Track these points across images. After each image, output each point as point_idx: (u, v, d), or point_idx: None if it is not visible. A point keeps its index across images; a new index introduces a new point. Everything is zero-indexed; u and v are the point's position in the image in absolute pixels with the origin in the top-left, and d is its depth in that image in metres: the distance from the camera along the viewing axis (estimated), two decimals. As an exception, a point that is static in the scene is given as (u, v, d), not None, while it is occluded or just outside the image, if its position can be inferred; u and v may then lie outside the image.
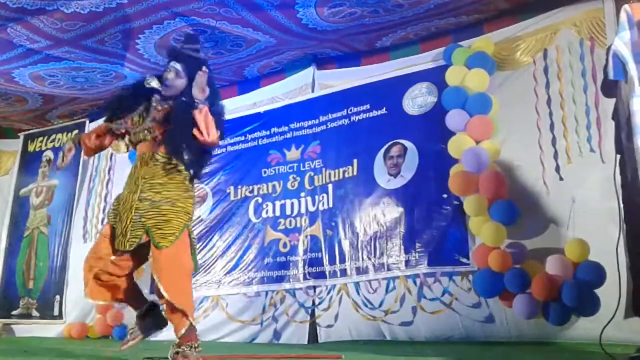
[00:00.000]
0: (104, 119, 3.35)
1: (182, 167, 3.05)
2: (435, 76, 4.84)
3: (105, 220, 3.25)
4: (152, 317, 3.16)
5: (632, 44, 2.29)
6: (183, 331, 2.86)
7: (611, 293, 3.07)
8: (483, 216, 4.19)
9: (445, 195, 4.50)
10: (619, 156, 2.79)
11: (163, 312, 3.07)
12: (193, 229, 5.54)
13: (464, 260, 4.35)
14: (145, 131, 3.09)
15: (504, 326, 4.14)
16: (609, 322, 2.82)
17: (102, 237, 3.13)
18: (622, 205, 2.66)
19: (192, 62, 3.14)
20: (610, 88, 2.72)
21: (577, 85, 4.23)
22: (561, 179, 4.16)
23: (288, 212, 5.41)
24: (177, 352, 2.85)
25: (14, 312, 6.70)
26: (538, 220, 4.18)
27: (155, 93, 3.15)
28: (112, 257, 3.05)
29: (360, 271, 4.86)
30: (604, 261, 3.62)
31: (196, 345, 2.90)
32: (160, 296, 2.88)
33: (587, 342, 3.58)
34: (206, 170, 3.36)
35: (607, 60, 2.54)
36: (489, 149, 4.33)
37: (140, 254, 3.09)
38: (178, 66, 3.11)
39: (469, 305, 4.31)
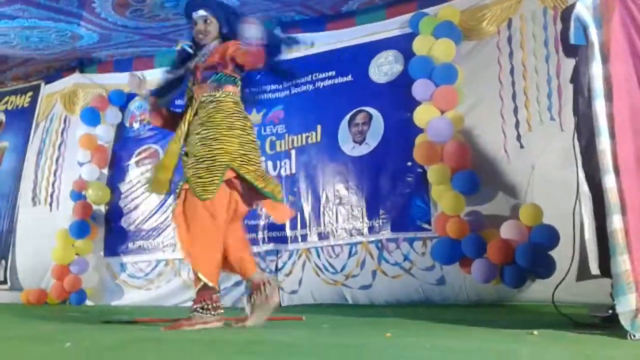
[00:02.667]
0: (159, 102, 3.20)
1: (227, 103, 2.95)
2: (402, 44, 4.85)
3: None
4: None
5: (593, 9, 2.33)
6: (196, 290, 2.79)
7: (566, 257, 3.16)
8: (445, 185, 4.27)
9: (409, 164, 4.56)
10: (575, 118, 2.83)
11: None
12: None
13: (426, 226, 4.45)
14: (192, 84, 3.03)
15: (462, 290, 4.26)
16: (560, 282, 2.90)
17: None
18: (580, 171, 2.72)
19: (212, 1, 3.10)
20: (571, 50, 2.75)
21: (539, 54, 4.32)
22: (522, 147, 4.27)
23: (247, 176, 5.37)
24: (189, 317, 2.78)
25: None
26: (498, 189, 4.29)
27: (193, 55, 3.09)
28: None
29: (322, 236, 4.92)
30: (560, 226, 3.74)
31: (209, 305, 2.79)
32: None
33: (542, 304, 3.71)
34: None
35: (563, 23, 2.60)
36: (454, 119, 4.39)
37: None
38: (202, 12, 3.04)
39: (428, 270, 4.41)
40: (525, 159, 4.21)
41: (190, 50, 3.11)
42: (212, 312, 2.80)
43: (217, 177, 2.81)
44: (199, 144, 2.88)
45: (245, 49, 2.81)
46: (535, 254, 3.82)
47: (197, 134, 2.91)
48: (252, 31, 2.72)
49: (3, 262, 6.27)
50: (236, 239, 2.97)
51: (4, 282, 6.20)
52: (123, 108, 6.22)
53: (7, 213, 6.43)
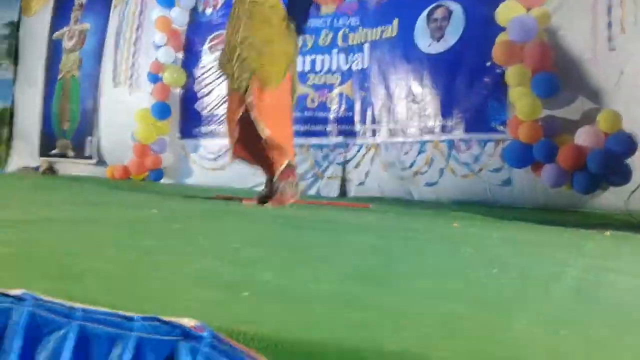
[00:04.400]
0: None
1: (280, 9, 3.02)
2: None
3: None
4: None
5: None
6: (281, 168, 2.98)
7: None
8: (524, 87, 4.11)
9: (488, 64, 4.36)
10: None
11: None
12: (220, 76, 5.65)
13: (501, 128, 4.34)
14: None
15: (532, 193, 4.22)
16: (635, 190, 2.84)
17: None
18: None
19: None
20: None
21: (643, -52, 3.93)
22: (611, 49, 4.01)
23: (318, 68, 5.34)
24: (276, 189, 2.98)
25: (52, 152, 6.97)
26: (577, 93, 4.10)
27: None
28: (240, 109, 3.05)
29: (392, 133, 4.89)
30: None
31: (294, 182, 3.04)
32: (264, 134, 2.94)
33: (614, 211, 3.65)
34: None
35: None
36: (539, 16, 4.11)
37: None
38: None
39: (498, 172, 4.37)
40: (614, 62, 3.97)
41: None
42: (294, 188, 3.05)
43: (282, 70, 3.01)
44: (256, 43, 2.98)
45: None
46: (609, 160, 3.70)
47: (255, 33, 2.99)
48: None
49: (89, 138, 6.66)
50: None
51: (90, 157, 6.63)
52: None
53: (90, 92, 6.74)
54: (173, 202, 3.09)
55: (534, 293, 1.18)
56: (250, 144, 3.12)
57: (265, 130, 2.93)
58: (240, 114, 3.07)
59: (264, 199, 3.15)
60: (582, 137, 3.90)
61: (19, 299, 0.90)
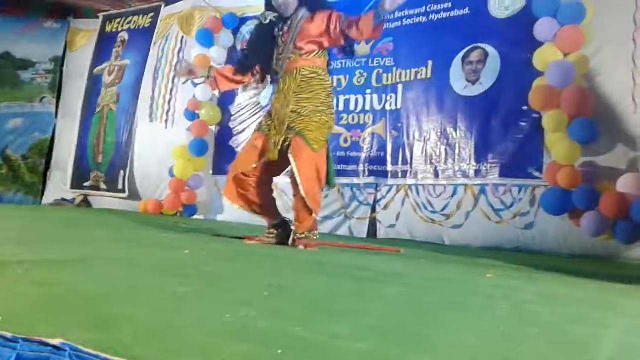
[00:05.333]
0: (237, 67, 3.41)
1: (327, 82, 3.19)
2: (528, -25, 4.53)
3: (256, 128, 3.37)
4: (282, 232, 3.32)
5: None
6: (308, 226, 3.13)
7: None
8: (561, 133, 4.07)
9: (524, 108, 4.34)
10: None
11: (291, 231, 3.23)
12: (254, 114, 5.75)
13: (537, 174, 4.29)
14: (284, 54, 3.17)
15: (567, 242, 4.13)
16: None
17: (250, 146, 3.28)
18: None
19: None
20: None
21: (683, -4, 3.91)
22: (652, 96, 3.96)
23: (352, 107, 5.39)
24: (301, 238, 3.12)
25: (85, 184, 7.14)
26: (618, 140, 4.04)
27: (275, 26, 3.22)
28: (254, 165, 3.19)
29: (424, 175, 4.87)
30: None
31: (316, 233, 3.21)
32: (296, 188, 3.07)
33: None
34: None
35: None
36: (577, 62, 4.09)
37: (279, 167, 3.26)
38: None
39: (533, 219, 4.30)
40: (655, 109, 3.92)
41: (274, 19, 3.21)
42: (315, 238, 3.22)
43: (324, 138, 3.16)
44: (306, 113, 3.10)
45: (365, 21, 2.96)
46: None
47: (304, 106, 3.11)
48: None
49: (122, 172, 6.80)
50: None
51: (123, 190, 6.75)
52: (235, 31, 6.35)
53: (126, 127, 6.92)
54: (203, 242, 3.10)
55: (575, 357, 1.14)
56: (253, 187, 3.24)
57: (302, 188, 3.03)
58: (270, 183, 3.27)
59: (278, 241, 3.27)
60: (625, 184, 3.82)
61: (57, 348, 0.91)
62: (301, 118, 3.10)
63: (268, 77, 3.34)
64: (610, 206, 3.75)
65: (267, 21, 3.21)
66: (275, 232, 3.33)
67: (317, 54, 3.16)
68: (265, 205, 3.33)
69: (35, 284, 1.41)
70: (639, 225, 3.67)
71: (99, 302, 1.28)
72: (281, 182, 3.44)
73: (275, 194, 3.46)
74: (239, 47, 6.31)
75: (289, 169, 3.21)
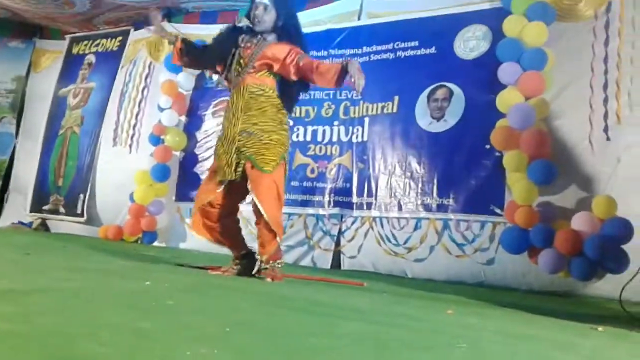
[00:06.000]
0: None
1: (275, 99, 3.18)
2: (491, 19, 4.71)
3: (212, 154, 3.40)
4: (247, 263, 3.30)
5: None
6: (272, 250, 3.09)
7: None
8: (520, 173, 4.19)
9: (488, 147, 4.46)
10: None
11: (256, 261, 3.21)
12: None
13: (498, 211, 4.39)
14: (239, 67, 3.19)
15: (526, 278, 4.22)
16: (630, 279, 2.85)
17: (209, 174, 3.30)
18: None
19: None
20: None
21: (638, 44, 4.10)
22: (608, 139, 4.11)
23: (319, 138, 5.44)
24: (266, 268, 3.09)
25: (44, 207, 6.97)
26: (573, 180, 4.19)
27: (243, 33, 3.25)
28: (218, 191, 3.18)
29: (388, 207, 4.93)
30: (638, 223, 3.64)
31: (280, 262, 3.18)
32: (259, 216, 3.08)
33: (609, 300, 3.63)
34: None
35: None
36: (538, 105, 4.24)
37: (241, 191, 3.24)
38: (266, 1, 3.17)
39: (493, 255, 4.37)
40: (611, 151, 4.07)
41: (245, 27, 3.26)
42: (279, 267, 3.19)
43: (277, 158, 3.13)
44: (255, 132, 3.12)
45: (329, 71, 3.03)
46: (606, 245, 3.73)
47: (253, 124, 3.13)
48: (361, 78, 2.91)
49: (82, 196, 6.67)
50: None
51: (81, 215, 6.61)
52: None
53: (89, 149, 6.82)
54: (164, 272, 3.06)
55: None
56: (218, 219, 3.24)
57: (265, 214, 3.04)
58: (211, 198, 3.20)
59: (241, 272, 3.25)
60: (578, 222, 3.94)
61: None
62: (251, 141, 3.11)
63: (221, 80, 3.39)
64: (565, 243, 3.85)
65: (240, 24, 3.24)
66: (240, 263, 3.31)
67: (265, 72, 3.19)
68: (231, 236, 3.33)
69: (-10, 318, 1.37)
70: (593, 261, 3.78)
71: (58, 339, 1.25)
72: (244, 210, 3.44)
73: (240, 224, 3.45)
74: (207, 74, 6.33)
75: (249, 198, 3.22)
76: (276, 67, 3.16)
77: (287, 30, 3.25)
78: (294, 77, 3.16)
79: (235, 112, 3.16)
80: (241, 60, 3.19)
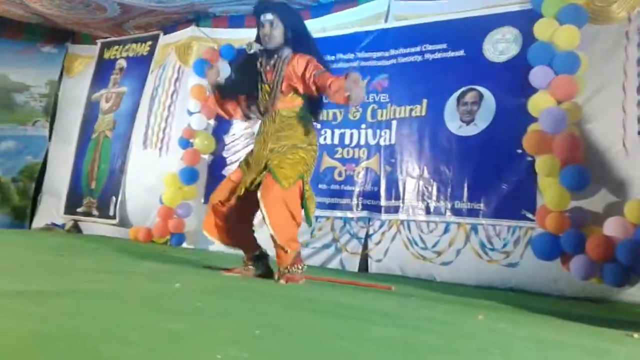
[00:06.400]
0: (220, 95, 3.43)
1: (307, 118, 3.22)
2: (521, 22, 4.62)
3: (239, 164, 3.41)
4: (262, 265, 3.34)
5: None
6: (288, 261, 3.09)
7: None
8: (553, 178, 4.12)
9: (519, 151, 4.38)
10: None
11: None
12: (248, 145, 5.77)
13: (530, 216, 4.31)
14: (267, 95, 3.22)
15: (558, 284, 4.14)
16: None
17: (228, 180, 3.31)
18: None
19: (280, 6, 3.27)
20: None
21: (672, 47, 4.01)
22: (642, 141, 4.02)
23: (347, 141, 5.42)
24: (284, 273, 3.09)
25: (78, 210, 7.10)
26: (606, 184, 4.09)
27: (259, 56, 3.26)
28: (226, 195, 3.21)
29: (417, 211, 4.88)
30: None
31: (299, 266, 3.16)
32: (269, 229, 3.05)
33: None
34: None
35: None
36: (570, 109, 4.15)
37: (254, 206, 3.21)
38: (269, 16, 3.18)
39: (524, 260, 4.30)
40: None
41: (258, 52, 3.24)
42: (301, 271, 3.19)
43: (296, 175, 3.11)
44: (283, 148, 3.15)
45: (336, 88, 2.96)
46: (639, 251, 3.63)
47: (282, 142, 3.16)
48: (358, 91, 2.85)
49: (114, 198, 6.78)
50: None
51: (113, 217, 6.72)
52: (232, 62, 6.41)
53: (120, 152, 6.92)
54: (192, 274, 3.09)
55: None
56: (227, 219, 3.24)
57: (270, 227, 3.01)
58: (224, 199, 3.21)
59: (261, 274, 3.29)
60: (611, 227, 3.86)
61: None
62: (277, 155, 3.12)
63: (254, 111, 3.34)
64: (597, 249, 3.77)
65: (252, 51, 3.22)
66: (254, 264, 3.32)
67: (293, 94, 3.21)
68: (240, 238, 3.33)
69: (23, 318, 1.40)
70: (625, 267, 3.70)
71: (87, 340, 1.26)
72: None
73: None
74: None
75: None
76: (300, 88, 3.19)
77: (299, 40, 3.26)
78: (316, 94, 3.17)
79: (266, 137, 3.20)
80: (266, 86, 3.22)
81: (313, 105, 3.30)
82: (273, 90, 3.18)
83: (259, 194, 3.04)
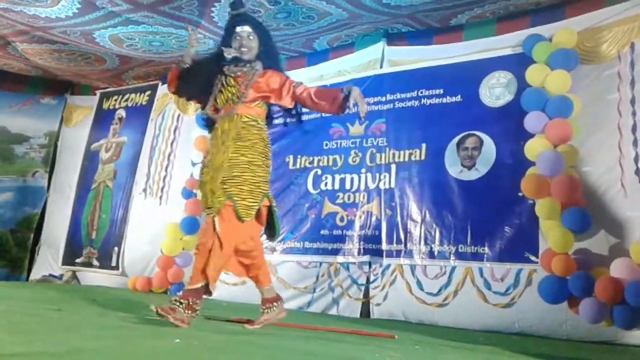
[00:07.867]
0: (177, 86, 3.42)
1: (265, 131, 3.22)
2: (514, 65, 4.72)
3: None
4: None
5: None
6: (191, 286, 3.05)
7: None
8: (554, 220, 4.13)
9: (520, 194, 4.41)
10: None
11: None
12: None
13: (533, 259, 4.30)
14: (232, 96, 3.22)
15: (564, 327, 4.09)
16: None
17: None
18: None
19: (257, 21, 3.43)
20: None
21: (666, 84, 4.05)
22: (640, 181, 4.03)
23: (347, 186, 5.43)
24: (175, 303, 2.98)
25: (77, 260, 7.05)
26: (607, 225, 4.10)
27: (225, 61, 3.27)
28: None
29: (419, 255, 4.86)
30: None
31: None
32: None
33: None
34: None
35: None
36: (566, 152, 4.21)
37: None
38: (248, 29, 3.27)
39: (529, 303, 4.25)
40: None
41: (229, 57, 3.26)
42: (191, 312, 3.00)
43: (257, 202, 3.13)
44: (242, 165, 3.09)
45: (320, 96, 3.17)
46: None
47: (242, 155, 3.11)
48: (363, 103, 3.07)
49: (116, 249, 6.73)
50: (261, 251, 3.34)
51: (116, 267, 6.66)
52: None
53: (122, 203, 6.92)
54: (193, 327, 3.02)
55: None
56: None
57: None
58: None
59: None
60: (618, 269, 3.84)
61: None
62: (236, 178, 3.06)
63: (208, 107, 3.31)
64: (605, 291, 3.74)
65: (229, 56, 3.24)
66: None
67: (258, 104, 3.24)
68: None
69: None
70: (635, 309, 3.66)
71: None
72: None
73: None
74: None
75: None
76: (273, 99, 3.24)
77: (269, 55, 3.34)
78: (290, 106, 3.26)
79: (225, 140, 3.13)
80: (233, 89, 3.22)
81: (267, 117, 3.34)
82: (238, 93, 3.19)
83: (216, 219, 3.02)
